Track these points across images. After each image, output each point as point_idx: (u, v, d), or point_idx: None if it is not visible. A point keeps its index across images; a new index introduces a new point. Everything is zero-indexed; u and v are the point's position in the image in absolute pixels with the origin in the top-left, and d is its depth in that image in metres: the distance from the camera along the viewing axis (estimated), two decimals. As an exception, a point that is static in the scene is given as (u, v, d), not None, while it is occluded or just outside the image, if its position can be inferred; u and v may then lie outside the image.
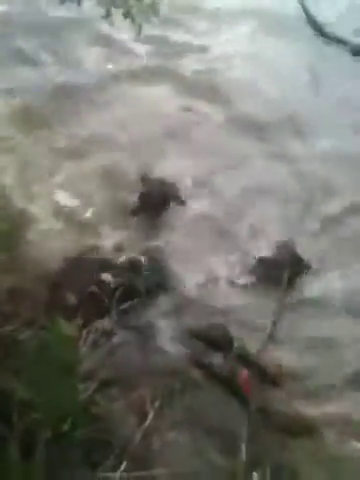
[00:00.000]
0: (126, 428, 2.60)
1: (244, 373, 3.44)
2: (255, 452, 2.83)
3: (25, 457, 1.93)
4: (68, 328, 1.82)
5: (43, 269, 3.64)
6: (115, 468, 2.27)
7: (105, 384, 2.66)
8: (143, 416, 2.71)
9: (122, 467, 2.28)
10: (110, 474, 2.23)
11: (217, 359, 3.55)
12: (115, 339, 3.16)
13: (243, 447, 2.84)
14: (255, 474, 2.55)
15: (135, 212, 4.53)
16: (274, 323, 3.93)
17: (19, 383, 1.96)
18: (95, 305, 3.44)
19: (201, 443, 2.90)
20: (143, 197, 4.53)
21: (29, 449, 1.95)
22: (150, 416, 2.69)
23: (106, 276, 3.69)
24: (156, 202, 4.55)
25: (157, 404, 2.80)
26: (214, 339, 3.66)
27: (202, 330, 3.71)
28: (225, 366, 3.51)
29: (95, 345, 2.82)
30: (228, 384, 3.39)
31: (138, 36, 4.82)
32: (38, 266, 3.66)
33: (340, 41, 6.71)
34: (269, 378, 3.54)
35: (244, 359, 3.57)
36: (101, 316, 3.37)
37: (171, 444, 2.74)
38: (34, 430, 1.96)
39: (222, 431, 3.13)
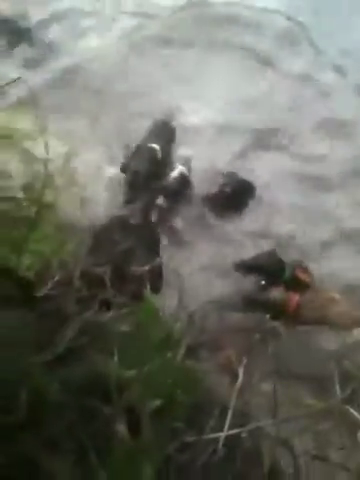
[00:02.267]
0: (221, 388, 2.64)
1: (295, 298, 3.40)
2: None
3: (132, 434, 1.99)
4: (156, 302, 1.84)
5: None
6: (219, 428, 2.32)
7: (192, 350, 2.70)
8: (234, 374, 2.75)
9: (226, 425, 2.32)
10: (216, 434, 2.27)
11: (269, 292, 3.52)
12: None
13: (337, 387, 2.84)
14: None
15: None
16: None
17: (115, 363, 2.01)
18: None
19: (294, 390, 2.93)
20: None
21: (135, 426, 2.01)
22: (241, 372, 2.71)
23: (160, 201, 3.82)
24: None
25: (244, 360, 2.81)
26: (264, 267, 3.60)
27: (251, 260, 3.65)
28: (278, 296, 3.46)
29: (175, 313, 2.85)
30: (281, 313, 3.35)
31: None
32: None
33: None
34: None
35: (296, 284, 3.51)
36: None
37: (266, 395, 2.76)
38: (136, 406, 2.03)
39: (312, 375, 3.16)
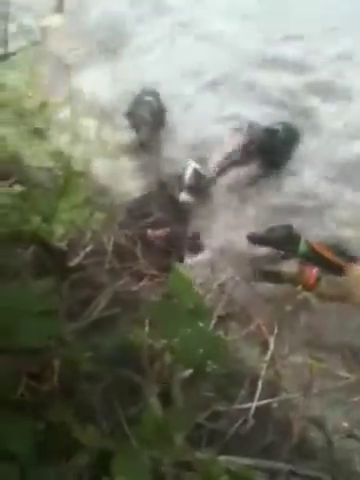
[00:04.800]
0: (251, 359, 2.64)
1: (313, 271, 3.33)
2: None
3: (164, 403, 2.01)
4: (186, 272, 1.83)
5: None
6: (250, 398, 2.32)
7: (222, 319, 2.70)
8: (264, 344, 2.74)
9: (257, 396, 2.32)
10: (247, 405, 2.28)
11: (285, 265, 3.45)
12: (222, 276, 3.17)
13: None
14: None
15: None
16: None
17: (146, 333, 2.02)
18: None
19: (327, 362, 2.90)
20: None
21: (165, 395, 2.02)
22: (271, 343, 2.70)
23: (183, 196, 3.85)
24: None
25: (275, 330, 2.79)
26: (277, 240, 3.54)
27: (264, 233, 3.59)
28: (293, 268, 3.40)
29: (205, 284, 2.85)
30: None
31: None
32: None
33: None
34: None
35: (315, 259, 3.44)
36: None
37: (297, 367, 2.74)
38: (168, 376, 2.04)
39: (344, 347, 3.12)
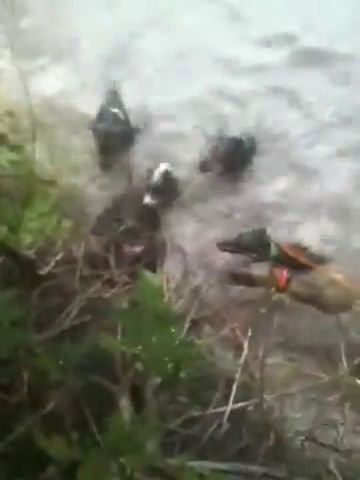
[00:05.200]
0: (225, 362, 2.64)
1: (283, 273, 3.36)
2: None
3: (137, 409, 1.99)
4: (154, 279, 1.82)
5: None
6: (224, 402, 2.32)
7: (196, 323, 2.70)
8: (239, 347, 2.74)
9: (231, 399, 2.32)
10: (220, 409, 2.27)
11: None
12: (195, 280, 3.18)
13: (344, 358, 2.83)
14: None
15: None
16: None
17: (117, 340, 2.00)
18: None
19: (300, 363, 2.92)
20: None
21: (138, 401, 2.01)
22: (246, 346, 2.70)
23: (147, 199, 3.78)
24: None
25: (249, 333, 2.80)
26: (247, 246, 3.57)
27: (234, 239, 3.61)
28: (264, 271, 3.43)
29: (177, 289, 2.84)
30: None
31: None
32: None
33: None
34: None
35: (286, 261, 3.47)
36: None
37: (272, 368, 2.75)
38: (140, 382, 2.03)
39: (318, 348, 3.14)
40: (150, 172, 3.88)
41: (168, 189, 3.88)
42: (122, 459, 1.31)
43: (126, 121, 4.24)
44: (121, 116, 4.19)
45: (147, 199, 3.75)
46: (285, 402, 2.56)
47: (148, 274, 1.80)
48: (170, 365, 1.82)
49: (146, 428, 1.55)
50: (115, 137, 4.07)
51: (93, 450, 1.33)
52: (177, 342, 1.83)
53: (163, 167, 3.89)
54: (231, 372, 2.53)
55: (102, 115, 4.19)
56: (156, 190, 3.79)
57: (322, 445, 2.40)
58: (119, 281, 2.83)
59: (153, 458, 1.43)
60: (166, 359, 1.67)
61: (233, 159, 4.10)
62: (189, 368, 1.95)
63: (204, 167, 4.02)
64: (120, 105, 4.28)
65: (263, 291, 3.38)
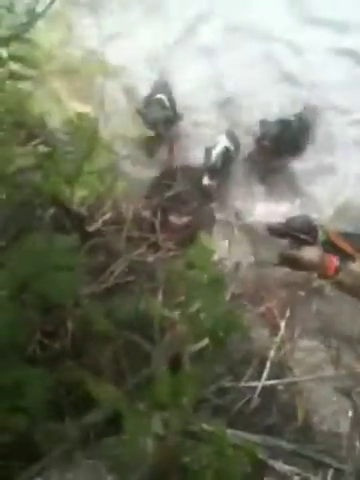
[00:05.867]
0: (261, 339, 2.63)
1: (333, 260, 3.29)
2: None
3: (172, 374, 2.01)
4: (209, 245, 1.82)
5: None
6: (257, 378, 2.33)
7: (235, 298, 2.69)
8: (275, 327, 2.73)
9: (264, 375, 2.32)
10: (253, 383, 2.28)
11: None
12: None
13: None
14: None
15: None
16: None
17: (159, 302, 2.02)
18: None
19: (336, 351, 2.88)
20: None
21: (173, 368, 2.02)
22: (282, 326, 2.69)
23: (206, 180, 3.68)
24: None
25: (287, 314, 2.78)
26: (298, 231, 3.51)
27: (283, 223, 3.56)
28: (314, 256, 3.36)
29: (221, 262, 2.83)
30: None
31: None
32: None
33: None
34: None
35: (333, 248, 3.41)
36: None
37: (306, 351, 2.73)
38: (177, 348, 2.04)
39: (355, 338, 3.10)
40: (208, 151, 3.74)
41: (225, 167, 3.80)
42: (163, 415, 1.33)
43: (172, 107, 4.15)
44: (166, 103, 4.10)
45: (205, 180, 3.68)
46: (316, 387, 2.55)
47: (204, 239, 1.80)
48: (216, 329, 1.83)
49: (185, 387, 1.55)
50: (160, 123, 3.99)
51: (137, 403, 1.35)
52: (221, 310, 1.82)
53: (222, 144, 3.78)
54: (266, 349, 2.53)
55: (149, 101, 4.14)
56: (214, 170, 3.72)
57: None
58: (163, 247, 2.83)
59: (193, 417, 1.45)
60: (215, 321, 1.67)
61: (280, 143, 3.90)
62: (234, 336, 1.96)
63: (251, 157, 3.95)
64: (168, 92, 4.21)
65: (304, 275, 3.35)
